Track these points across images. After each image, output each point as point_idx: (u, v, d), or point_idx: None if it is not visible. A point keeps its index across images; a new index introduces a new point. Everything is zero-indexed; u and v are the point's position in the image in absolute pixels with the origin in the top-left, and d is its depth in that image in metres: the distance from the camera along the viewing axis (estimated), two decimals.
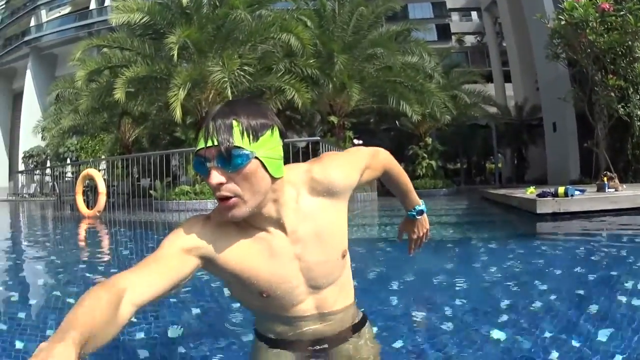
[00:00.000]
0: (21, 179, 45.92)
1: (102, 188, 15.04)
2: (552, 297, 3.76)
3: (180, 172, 23.59)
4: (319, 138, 19.91)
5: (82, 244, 9.85)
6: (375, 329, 2.67)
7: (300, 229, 1.75)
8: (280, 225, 1.73)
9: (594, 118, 19.16)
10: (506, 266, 5.32)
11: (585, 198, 10.00)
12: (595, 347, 2.59)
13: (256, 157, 1.56)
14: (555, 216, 9.43)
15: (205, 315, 3.65)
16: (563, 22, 17.75)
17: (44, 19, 57.54)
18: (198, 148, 1.57)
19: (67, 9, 57.96)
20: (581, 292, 3.95)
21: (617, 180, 11.81)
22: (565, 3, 17.67)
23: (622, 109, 17.71)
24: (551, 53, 19.47)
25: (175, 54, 17.63)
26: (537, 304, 3.54)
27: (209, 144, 1.53)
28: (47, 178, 39.08)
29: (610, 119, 18.47)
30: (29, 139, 46.58)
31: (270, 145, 1.61)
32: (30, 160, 50.12)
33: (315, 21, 24.86)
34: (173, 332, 3.19)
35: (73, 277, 5.53)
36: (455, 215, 13.99)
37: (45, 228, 13.75)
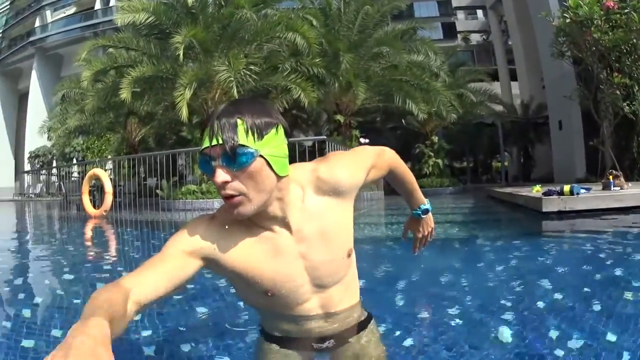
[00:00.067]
0: (27, 179, 45.95)
1: (108, 187, 15.07)
2: (558, 295, 3.76)
3: (187, 172, 23.64)
4: (325, 137, 19.89)
5: (88, 243, 9.87)
6: (382, 328, 2.68)
7: (305, 228, 1.75)
8: (285, 224, 1.73)
9: (599, 116, 19.10)
10: (512, 264, 5.33)
11: (590, 196, 9.99)
12: (602, 345, 2.60)
13: (261, 156, 1.56)
14: (561, 214, 9.43)
15: (211, 313, 3.66)
16: (568, 20, 17.73)
17: (49, 19, 57.58)
18: (203, 147, 1.57)
19: (72, 10, 57.97)
20: (587, 290, 3.95)
21: (622, 179, 11.80)
22: (570, 1, 17.67)
23: (627, 107, 17.65)
24: (556, 51, 19.44)
25: (181, 54, 17.67)
26: (543, 302, 3.54)
27: (214, 142, 1.54)
28: (53, 178, 39.11)
29: (616, 117, 18.44)
30: (35, 139, 46.66)
31: (275, 143, 1.61)
32: (36, 160, 50.20)
33: (321, 20, 24.90)
34: (178, 330, 3.20)
35: (79, 276, 5.55)
36: (462, 213, 13.99)
37: (52, 227, 13.80)
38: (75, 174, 28.23)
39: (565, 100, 21.57)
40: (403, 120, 31.60)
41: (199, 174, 18.33)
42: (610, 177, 11.66)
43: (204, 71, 18.94)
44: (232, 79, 18.04)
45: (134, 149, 26.95)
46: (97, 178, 16.11)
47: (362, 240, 7.60)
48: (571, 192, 9.76)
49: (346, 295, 1.92)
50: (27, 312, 3.74)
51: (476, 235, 8.88)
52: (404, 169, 2.22)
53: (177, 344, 2.98)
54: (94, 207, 16.08)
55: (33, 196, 42.75)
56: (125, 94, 18.63)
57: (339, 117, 25.15)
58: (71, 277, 5.55)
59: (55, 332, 3.21)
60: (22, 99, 57.41)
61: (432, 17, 52.14)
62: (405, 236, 2.51)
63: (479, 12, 58.08)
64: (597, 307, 3.26)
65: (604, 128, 18.90)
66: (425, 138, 30.06)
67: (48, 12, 57.87)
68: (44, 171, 45.10)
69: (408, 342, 2.79)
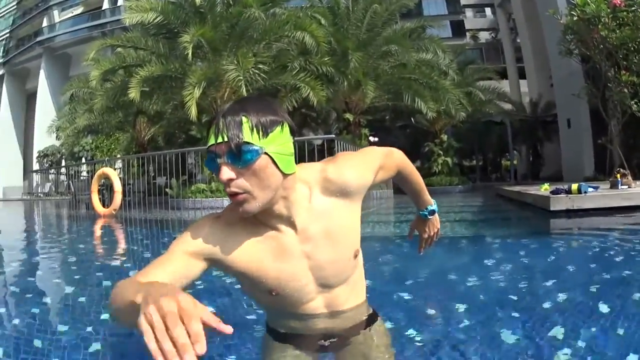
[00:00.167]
0: (36, 178, 45.99)
1: (117, 186, 15.09)
2: (566, 294, 3.74)
3: (196, 170, 23.65)
4: (334, 136, 19.92)
5: (98, 242, 9.90)
6: (389, 325, 2.69)
7: (311, 228, 1.76)
8: (290, 223, 1.75)
9: (607, 114, 19.02)
10: (520, 263, 5.32)
11: (598, 195, 9.97)
12: (610, 345, 2.59)
13: (266, 153, 1.57)
14: (569, 213, 9.42)
15: (218, 309, 3.67)
16: (575, 18, 17.67)
17: (57, 19, 57.61)
18: (209, 144, 1.59)
19: (79, 9, 58.00)
20: (595, 289, 3.93)
21: (630, 177, 11.79)
22: None
23: (635, 105, 17.54)
24: (564, 49, 19.38)
25: (190, 53, 17.72)
26: (551, 301, 3.53)
27: (219, 140, 1.55)
28: (62, 177, 39.17)
29: (624, 115, 18.36)
30: (43, 139, 46.76)
31: (280, 141, 1.62)
32: (45, 160, 50.27)
33: (329, 19, 24.90)
34: None
35: (89, 275, 5.57)
36: (470, 212, 13.98)
37: (61, 226, 13.83)
38: (85, 173, 28.34)
39: (574, 99, 21.48)
40: (412, 119, 31.53)
41: (208, 172, 18.34)
42: (618, 175, 11.63)
43: (212, 70, 18.97)
44: (240, 78, 18.08)
45: (143, 147, 26.99)
46: (107, 177, 16.15)
47: (371, 238, 7.62)
48: (579, 191, 9.74)
49: (352, 295, 1.94)
50: (36, 310, 3.76)
51: (484, 234, 8.86)
52: (412, 170, 2.23)
53: None
54: (104, 206, 16.14)
55: (42, 195, 42.83)
56: (134, 94, 18.69)
57: (348, 115, 25.13)
58: (80, 275, 5.58)
59: (61, 328, 3.23)
60: (30, 98, 57.51)
61: (441, 15, 52.13)
62: (411, 235, 2.53)
63: (488, 10, 58.04)
64: (605, 306, 3.25)
65: (612, 126, 18.82)
66: (435, 136, 29.96)
67: (55, 12, 57.92)
68: (52, 170, 45.19)
69: (416, 339, 2.79)
